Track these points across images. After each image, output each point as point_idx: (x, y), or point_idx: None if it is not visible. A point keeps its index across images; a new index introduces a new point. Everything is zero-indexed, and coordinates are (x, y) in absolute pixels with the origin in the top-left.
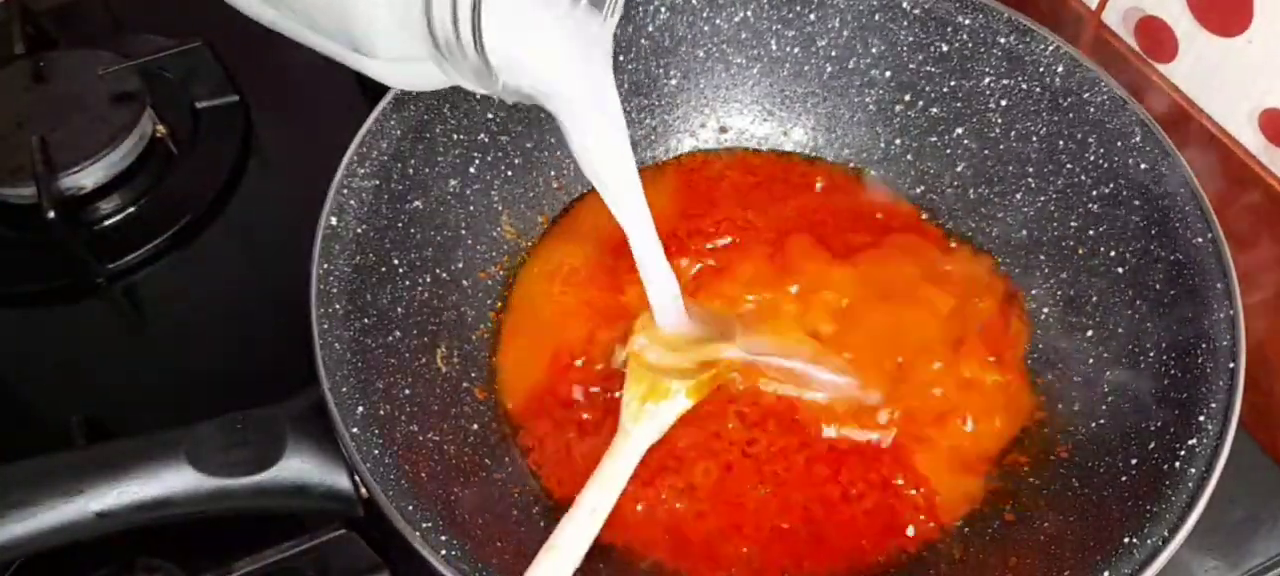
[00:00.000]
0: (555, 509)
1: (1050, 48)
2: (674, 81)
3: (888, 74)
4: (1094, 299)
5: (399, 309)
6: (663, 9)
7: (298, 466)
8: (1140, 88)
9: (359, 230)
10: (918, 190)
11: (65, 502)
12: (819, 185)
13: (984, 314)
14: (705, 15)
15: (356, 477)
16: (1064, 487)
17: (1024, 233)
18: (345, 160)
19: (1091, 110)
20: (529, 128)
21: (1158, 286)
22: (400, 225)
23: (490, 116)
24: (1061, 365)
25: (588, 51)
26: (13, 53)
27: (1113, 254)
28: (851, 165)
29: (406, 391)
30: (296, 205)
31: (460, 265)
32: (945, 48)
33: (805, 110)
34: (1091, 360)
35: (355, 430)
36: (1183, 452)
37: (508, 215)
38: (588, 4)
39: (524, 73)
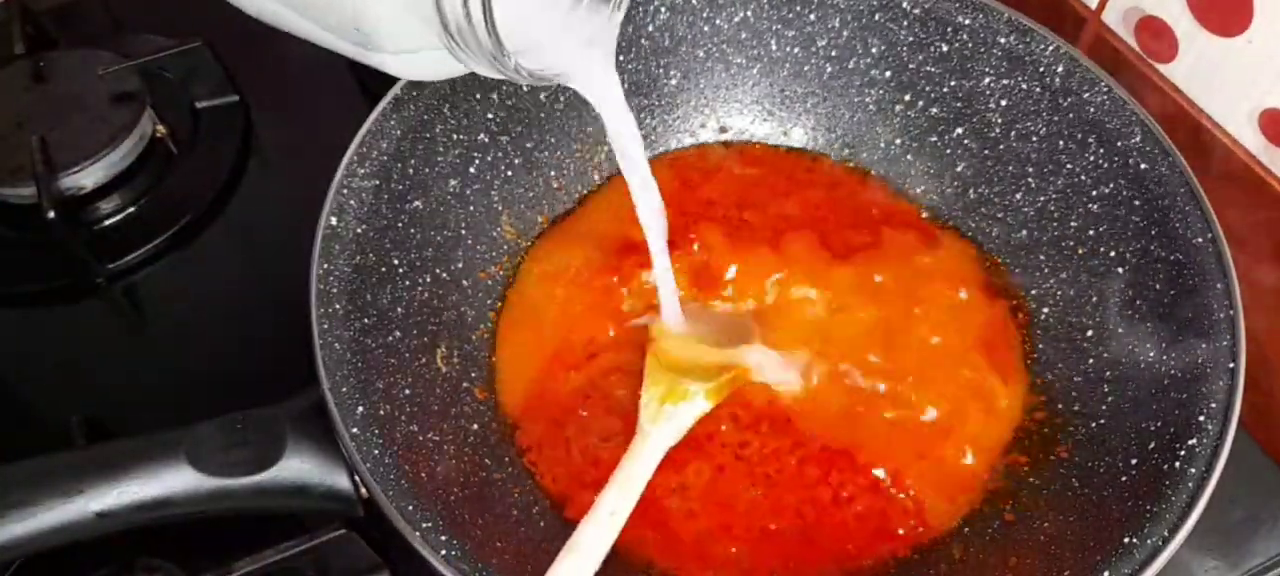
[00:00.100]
0: (555, 508)
1: (1050, 48)
2: (674, 81)
3: (888, 74)
4: (1094, 299)
5: (399, 309)
6: (663, 9)
7: (298, 466)
8: (1140, 88)
9: (359, 230)
10: (918, 190)
11: (65, 502)
12: (819, 184)
13: (983, 314)
14: (705, 15)
15: (356, 477)
16: (1064, 487)
17: (1024, 233)
18: (345, 160)
19: (1091, 110)
20: (529, 128)
21: (1158, 286)
22: (400, 225)
23: (490, 116)
24: (1061, 365)
25: (594, 35)
26: (13, 53)
27: (1113, 254)
28: (851, 165)
29: (406, 391)
30: (296, 205)
31: (460, 265)
32: (945, 48)
33: (805, 110)
34: (1091, 360)
35: (355, 430)
36: (1183, 452)
37: (508, 215)
38: None
39: (541, 53)
